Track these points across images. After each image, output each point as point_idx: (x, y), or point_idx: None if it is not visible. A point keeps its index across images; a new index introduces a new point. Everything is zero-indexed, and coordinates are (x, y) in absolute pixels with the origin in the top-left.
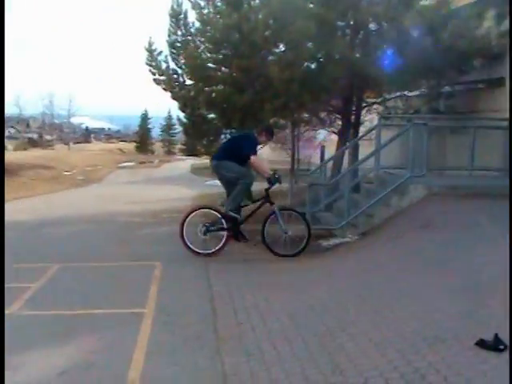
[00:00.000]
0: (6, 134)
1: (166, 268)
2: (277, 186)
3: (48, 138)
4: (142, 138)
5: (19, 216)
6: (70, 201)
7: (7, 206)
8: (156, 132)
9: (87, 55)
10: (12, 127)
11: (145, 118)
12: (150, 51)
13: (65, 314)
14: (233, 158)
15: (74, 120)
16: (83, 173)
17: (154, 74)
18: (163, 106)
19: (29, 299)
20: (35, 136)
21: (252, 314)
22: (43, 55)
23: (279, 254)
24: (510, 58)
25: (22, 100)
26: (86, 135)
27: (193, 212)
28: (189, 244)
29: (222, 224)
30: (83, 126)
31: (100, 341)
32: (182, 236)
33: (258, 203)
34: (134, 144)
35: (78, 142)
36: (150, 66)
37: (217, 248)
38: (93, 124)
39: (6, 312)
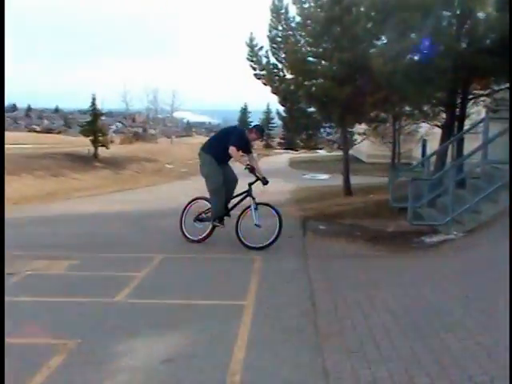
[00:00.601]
0: (114, 128)
1: (266, 261)
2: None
3: (152, 132)
4: None
5: (126, 207)
6: (172, 193)
7: (117, 197)
8: None
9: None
10: (119, 122)
11: (244, 112)
12: (251, 46)
13: (168, 303)
14: (218, 150)
15: (177, 115)
16: (185, 166)
17: (254, 68)
18: (262, 100)
19: (135, 287)
20: (140, 130)
21: (353, 311)
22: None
23: (248, 246)
24: (510, 58)
25: (129, 96)
26: (188, 129)
27: (191, 202)
28: (184, 231)
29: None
30: (185, 121)
31: (202, 331)
32: (180, 224)
33: (241, 196)
34: None
35: (179, 136)
36: (251, 61)
37: (203, 235)
38: (194, 118)
39: (114, 299)
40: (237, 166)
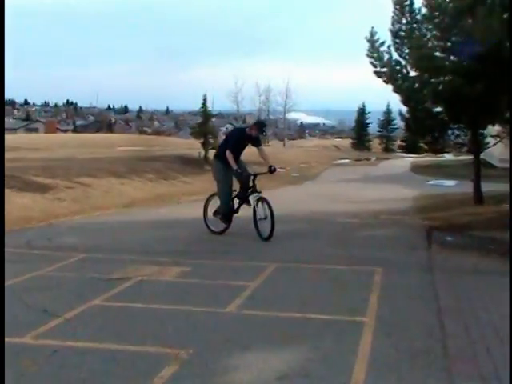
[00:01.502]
0: (224, 130)
1: (387, 274)
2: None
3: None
4: (358, 134)
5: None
6: (284, 198)
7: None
8: (373, 128)
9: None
10: (230, 124)
11: (362, 112)
12: (372, 42)
13: (281, 316)
14: (224, 155)
15: (290, 116)
16: (297, 170)
17: (374, 65)
18: (382, 100)
19: (247, 298)
20: None
21: (487, 333)
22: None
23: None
24: (510, 58)
25: (240, 96)
26: (301, 131)
27: (210, 197)
28: (207, 222)
29: None
30: (298, 122)
31: (318, 348)
32: (203, 216)
33: (249, 191)
34: (350, 140)
35: (292, 139)
36: (371, 57)
37: (221, 229)
38: (308, 120)
39: (226, 310)
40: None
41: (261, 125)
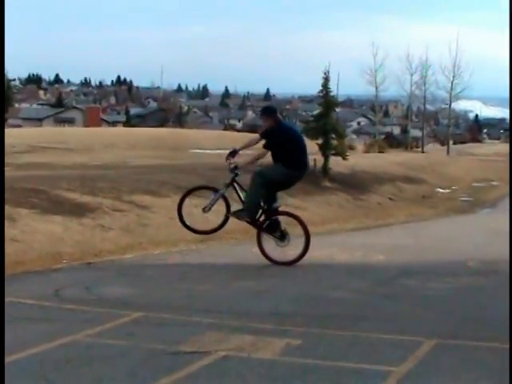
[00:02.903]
0: (354, 125)
1: None
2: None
3: (414, 133)
4: None
5: (371, 255)
6: (445, 234)
7: (357, 237)
8: None
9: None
10: (363, 116)
11: None
12: None
13: None
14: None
15: (457, 105)
16: (468, 191)
17: None
18: None
19: None
20: (395, 130)
21: None
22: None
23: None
24: (510, 58)
25: (382, 74)
26: (474, 130)
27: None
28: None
29: None
30: (470, 116)
31: None
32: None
33: None
34: None
35: (461, 142)
36: None
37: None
38: (486, 112)
39: None
40: None
41: (267, 109)
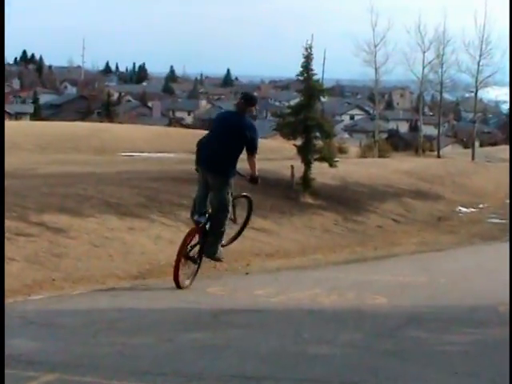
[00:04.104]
0: (346, 120)
1: None
2: None
3: (426, 130)
4: None
5: (350, 297)
6: (468, 270)
7: (351, 274)
8: None
9: None
10: (359, 108)
11: None
12: None
13: None
14: None
15: (485, 94)
16: (500, 210)
17: None
18: None
19: None
20: (402, 127)
21: None
22: None
23: None
24: (510, 58)
25: (382, 52)
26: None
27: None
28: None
29: None
30: (504, 107)
31: None
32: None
33: None
34: None
35: (491, 143)
36: None
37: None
38: None
39: None
40: None
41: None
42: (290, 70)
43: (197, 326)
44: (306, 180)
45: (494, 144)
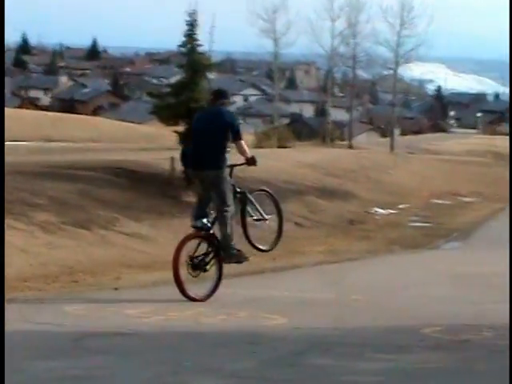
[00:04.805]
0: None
1: None
2: None
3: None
4: None
5: (241, 316)
6: (386, 284)
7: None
8: None
9: None
10: (254, 87)
11: None
12: None
13: None
14: None
15: (406, 71)
16: (424, 211)
17: None
18: None
19: None
20: (307, 110)
21: None
22: None
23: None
24: (510, 57)
25: (283, 21)
26: (434, 111)
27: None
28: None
29: None
30: (430, 87)
31: None
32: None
33: None
34: None
35: (414, 131)
36: None
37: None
38: (453, 82)
39: None
40: None
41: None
42: (171, 40)
43: (54, 352)
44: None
45: (418, 132)
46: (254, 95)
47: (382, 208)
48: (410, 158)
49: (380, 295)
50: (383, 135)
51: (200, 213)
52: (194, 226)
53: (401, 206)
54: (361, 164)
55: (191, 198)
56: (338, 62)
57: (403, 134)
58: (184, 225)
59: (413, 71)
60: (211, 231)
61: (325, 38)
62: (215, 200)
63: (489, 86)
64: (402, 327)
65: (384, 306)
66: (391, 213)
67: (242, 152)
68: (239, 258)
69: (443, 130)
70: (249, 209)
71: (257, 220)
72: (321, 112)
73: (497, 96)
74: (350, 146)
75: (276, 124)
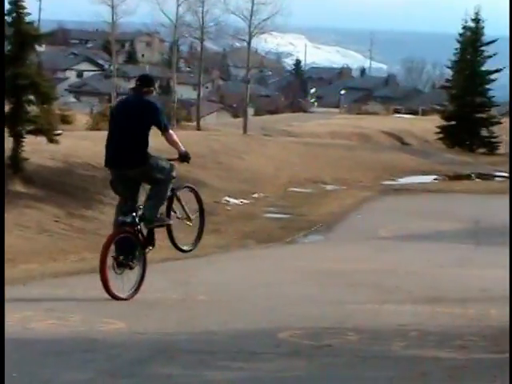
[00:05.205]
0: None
1: None
2: None
3: (187, 95)
4: (460, 106)
5: (74, 321)
6: (237, 283)
7: (46, 291)
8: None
9: None
10: (90, 61)
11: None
12: None
13: None
14: None
15: (262, 43)
16: (281, 201)
17: None
18: None
19: None
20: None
21: None
22: None
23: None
24: (510, 57)
25: None
26: (293, 87)
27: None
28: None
29: None
30: (288, 61)
31: None
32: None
33: None
34: (439, 121)
35: (271, 111)
36: None
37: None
38: (314, 55)
39: None
40: None
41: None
42: None
43: None
44: (15, 160)
45: (274, 112)
46: (90, 70)
47: (234, 197)
48: (265, 141)
49: (231, 295)
50: (235, 115)
51: (125, 208)
52: (121, 222)
53: (255, 195)
54: (210, 148)
55: (18, 188)
56: (184, 32)
57: (258, 113)
58: (10, 218)
59: (268, 43)
60: (138, 227)
61: (169, 4)
62: (157, 184)
63: (354, 59)
64: (256, 331)
65: (236, 307)
66: (245, 203)
67: (172, 145)
68: (163, 221)
69: (303, 110)
70: (174, 207)
71: (181, 219)
72: (164, 89)
73: (363, 71)
74: (198, 128)
75: (114, 103)
